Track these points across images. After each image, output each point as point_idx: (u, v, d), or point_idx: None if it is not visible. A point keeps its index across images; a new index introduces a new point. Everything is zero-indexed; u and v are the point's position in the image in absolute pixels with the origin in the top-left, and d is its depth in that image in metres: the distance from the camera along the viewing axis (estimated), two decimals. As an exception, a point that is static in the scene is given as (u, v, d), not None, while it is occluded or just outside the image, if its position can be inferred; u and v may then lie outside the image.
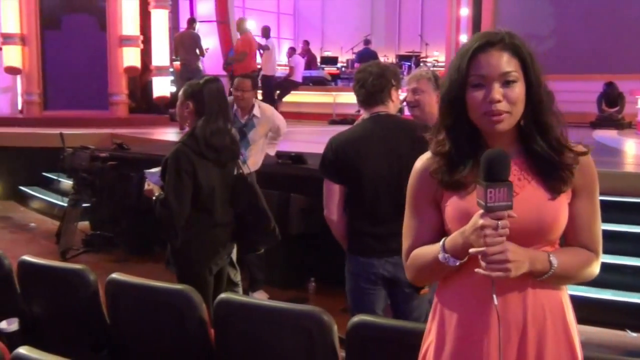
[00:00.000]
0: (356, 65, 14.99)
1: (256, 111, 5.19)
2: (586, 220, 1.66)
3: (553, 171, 1.60)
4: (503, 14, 14.57)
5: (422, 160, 1.73)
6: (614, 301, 4.46)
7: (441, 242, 1.62)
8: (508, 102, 1.56)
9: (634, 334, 4.41)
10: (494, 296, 1.52)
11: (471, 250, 1.51)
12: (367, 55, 14.05)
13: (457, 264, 1.60)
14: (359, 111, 3.52)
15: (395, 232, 2.98)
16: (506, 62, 1.57)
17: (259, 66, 12.15)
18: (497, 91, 1.56)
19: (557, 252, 1.63)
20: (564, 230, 1.65)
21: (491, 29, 1.64)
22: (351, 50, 16.01)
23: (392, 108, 3.16)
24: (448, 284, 1.70)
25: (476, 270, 1.51)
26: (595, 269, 1.68)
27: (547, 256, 1.58)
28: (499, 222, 1.46)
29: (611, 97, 11.46)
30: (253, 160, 5.16)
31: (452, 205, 1.64)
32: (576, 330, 1.68)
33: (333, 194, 3.11)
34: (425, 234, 1.71)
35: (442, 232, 1.68)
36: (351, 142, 3.11)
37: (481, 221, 1.48)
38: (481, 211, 1.48)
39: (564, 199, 1.62)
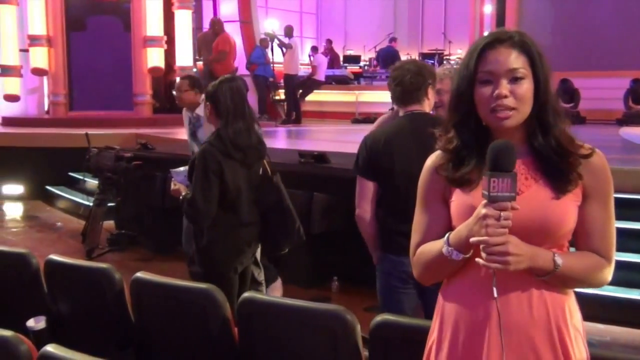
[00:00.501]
0: (374, 63, 14.95)
1: (199, 110, 5.16)
2: (598, 224, 1.63)
3: (557, 171, 1.59)
4: (527, 11, 14.43)
5: (432, 157, 1.75)
6: (633, 300, 4.40)
7: (446, 236, 1.63)
8: (515, 98, 1.57)
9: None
10: (494, 289, 1.52)
11: (472, 239, 1.51)
12: (388, 53, 14.03)
13: (460, 257, 1.59)
14: (393, 108, 3.50)
15: None
16: (514, 59, 1.58)
17: (282, 66, 12.17)
18: (504, 87, 1.56)
19: (565, 254, 1.61)
20: (575, 234, 1.63)
21: (502, 28, 1.65)
22: (374, 49, 15.97)
23: (427, 106, 3.16)
24: (451, 281, 1.71)
25: (476, 259, 1.51)
26: (606, 275, 1.65)
27: (552, 255, 1.56)
28: (502, 213, 1.47)
29: (638, 93, 11.30)
30: None
31: (457, 201, 1.65)
32: (580, 337, 1.65)
33: (367, 192, 3.11)
34: (434, 231, 1.70)
35: (450, 229, 1.67)
36: (385, 140, 3.09)
37: (484, 211, 1.48)
38: (485, 201, 1.49)
39: (572, 200, 1.60)
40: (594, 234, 1.63)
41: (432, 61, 14.29)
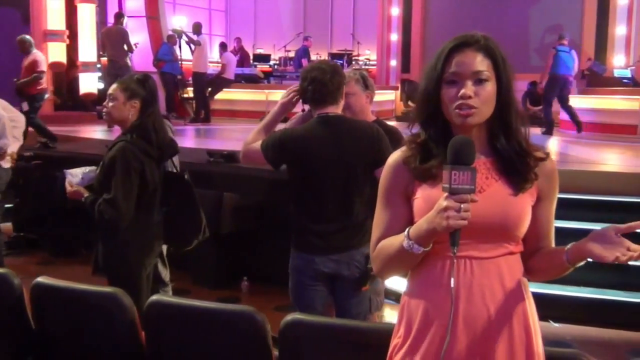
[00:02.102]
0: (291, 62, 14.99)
1: None
2: (548, 223, 1.76)
3: (516, 171, 1.69)
4: (433, 13, 14.87)
5: (396, 154, 1.79)
6: (537, 294, 4.61)
7: (406, 230, 1.66)
8: (479, 99, 1.64)
9: (557, 324, 4.59)
10: (452, 279, 1.58)
11: (443, 224, 1.54)
12: (298, 52, 14.11)
13: (421, 251, 1.63)
14: (303, 109, 3.45)
15: (338, 230, 3.04)
16: (479, 62, 1.66)
17: (191, 63, 11.99)
18: (469, 88, 1.64)
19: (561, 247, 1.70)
20: (525, 234, 1.72)
21: (468, 32, 1.73)
22: (284, 48, 15.99)
23: (340, 108, 3.16)
24: (415, 279, 1.75)
25: (442, 226, 1.54)
26: None
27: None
28: (462, 205, 1.52)
29: (535, 96, 11.85)
30: None
31: (422, 197, 1.70)
32: (539, 331, 1.74)
33: (258, 161, 3.14)
34: (395, 226, 1.74)
35: (410, 225, 1.71)
36: (305, 139, 3.07)
37: (445, 203, 1.53)
38: (445, 194, 1.55)
39: (528, 199, 1.70)
40: (544, 233, 1.75)
41: (341, 61, 14.48)
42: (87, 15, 11.76)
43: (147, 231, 3.45)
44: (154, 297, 2.57)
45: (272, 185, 5.61)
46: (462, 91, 1.63)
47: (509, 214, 1.65)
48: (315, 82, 3.06)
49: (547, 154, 1.74)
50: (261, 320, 2.30)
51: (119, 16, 11.33)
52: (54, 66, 11.45)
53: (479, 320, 1.64)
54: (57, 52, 11.39)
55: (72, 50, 11.73)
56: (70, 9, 11.60)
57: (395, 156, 1.79)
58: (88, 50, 11.77)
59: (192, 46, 12.09)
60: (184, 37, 12.25)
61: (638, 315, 4.67)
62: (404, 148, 1.77)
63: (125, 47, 10.74)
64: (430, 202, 1.63)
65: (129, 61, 10.85)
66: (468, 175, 1.52)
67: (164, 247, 3.91)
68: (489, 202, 1.63)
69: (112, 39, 10.76)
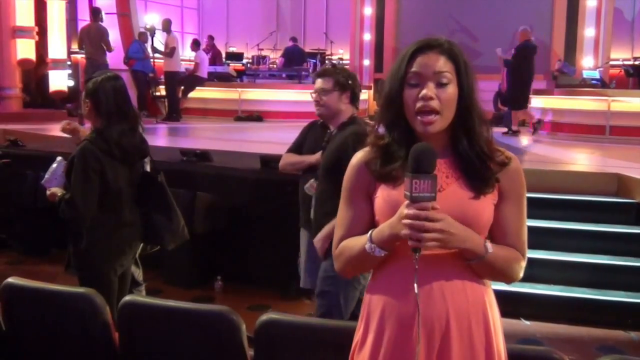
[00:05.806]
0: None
1: None
2: (513, 222, 1.73)
3: (477, 174, 1.69)
4: (405, 14, 14.95)
5: (360, 153, 1.80)
6: (508, 292, 4.66)
7: (369, 233, 1.68)
8: (440, 102, 1.65)
9: (527, 322, 4.65)
10: (415, 285, 1.57)
11: (405, 221, 1.54)
12: (295, 52, 14.06)
13: (383, 254, 1.66)
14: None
15: None
16: (442, 64, 1.67)
17: (163, 62, 11.88)
18: (431, 89, 1.65)
19: (493, 244, 1.69)
20: (491, 232, 1.72)
21: (433, 36, 1.72)
22: (257, 47, 15.93)
23: None
24: (377, 277, 1.76)
25: (405, 236, 1.55)
26: (520, 270, 1.75)
27: (484, 241, 1.65)
28: (420, 235, 1.53)
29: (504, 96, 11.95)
30: None
31: (382, 197, 1.71)
32: (500, 329, 1.74)
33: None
34: (357, 226, 1.76)
35: (373, 224, 1.73)
36: None
37: (406, 211, 1.54)
38: (407, 202, 1.55)
39: (489, 200, 1.69)
40: (510, 232, 1.73)
41: (315, 60, 14.49)
42: (56, 12, 11.60)
43: (116, 232, 3.41)
44: (128, 298, 2.55)
45: (246, 185, 5.60)
46: (423, 92, 1.65)
47: (466, 213, 1.65)
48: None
49: (510, 158, 1.73)
50: (236, 320, 2.29)
51: (97, 12, 11.08)
52: (22, 63, 11.28)
53: (438, 320, 1.64)
54: (25, 49, 11.21)
55: (41, 47, 11.55)
56: (39, 5, 11.43)
57: (358, 157, 1.80)
58: (58, 47, 11.61)
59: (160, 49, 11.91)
60: (155, 39, 12.03)
61: (606, 313, 4.75)
62: (367, 149, 1.78)
63: (104, 45, 10.58)
64: (390, 202, 1.66)
65: (107, 60, 10.70)
66: (429, 184, 1.53)
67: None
68: (448, 201, 1.63)
69: (91, 38, 10.59)
